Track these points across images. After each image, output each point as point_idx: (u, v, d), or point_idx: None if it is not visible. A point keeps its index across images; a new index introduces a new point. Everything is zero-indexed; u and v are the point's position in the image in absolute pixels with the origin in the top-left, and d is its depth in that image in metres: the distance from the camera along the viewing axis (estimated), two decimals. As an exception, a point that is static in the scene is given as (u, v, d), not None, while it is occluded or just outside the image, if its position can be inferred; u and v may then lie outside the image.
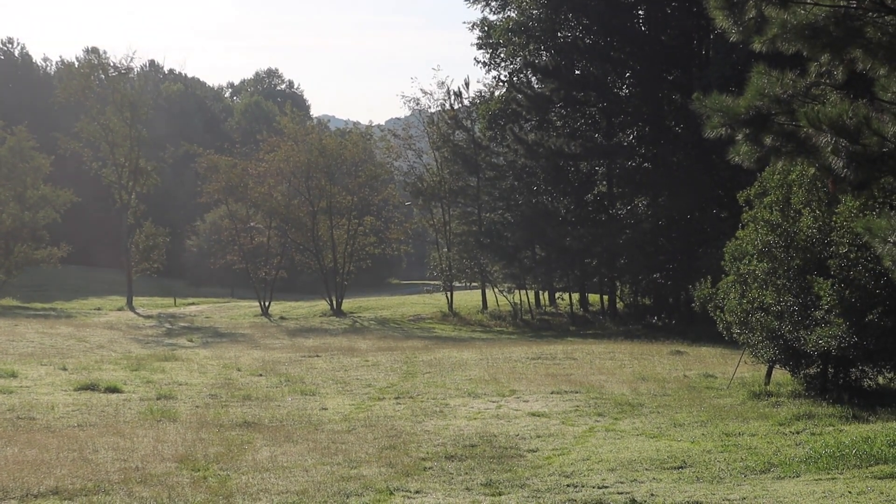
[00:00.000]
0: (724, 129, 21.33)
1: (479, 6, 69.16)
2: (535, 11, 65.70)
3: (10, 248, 77.43)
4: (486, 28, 68.52)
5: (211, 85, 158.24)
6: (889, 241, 20.52)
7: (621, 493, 15.50)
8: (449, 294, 72.29)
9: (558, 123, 66.10)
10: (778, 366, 29.00)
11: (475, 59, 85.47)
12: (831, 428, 21.56)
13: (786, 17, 20.10)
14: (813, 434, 20.83)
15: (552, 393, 28.28)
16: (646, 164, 63.93)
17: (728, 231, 35.63)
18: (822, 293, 25.61)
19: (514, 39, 67.07)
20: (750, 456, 18.72)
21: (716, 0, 21.27)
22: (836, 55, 20.92)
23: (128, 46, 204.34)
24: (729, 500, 15.10)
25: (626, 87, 66.01)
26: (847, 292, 25.38)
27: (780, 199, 27.55)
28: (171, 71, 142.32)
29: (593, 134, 65.46)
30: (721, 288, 30.23)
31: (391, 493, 15.82)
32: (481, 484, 16.50)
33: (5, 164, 78.26)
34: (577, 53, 65.46)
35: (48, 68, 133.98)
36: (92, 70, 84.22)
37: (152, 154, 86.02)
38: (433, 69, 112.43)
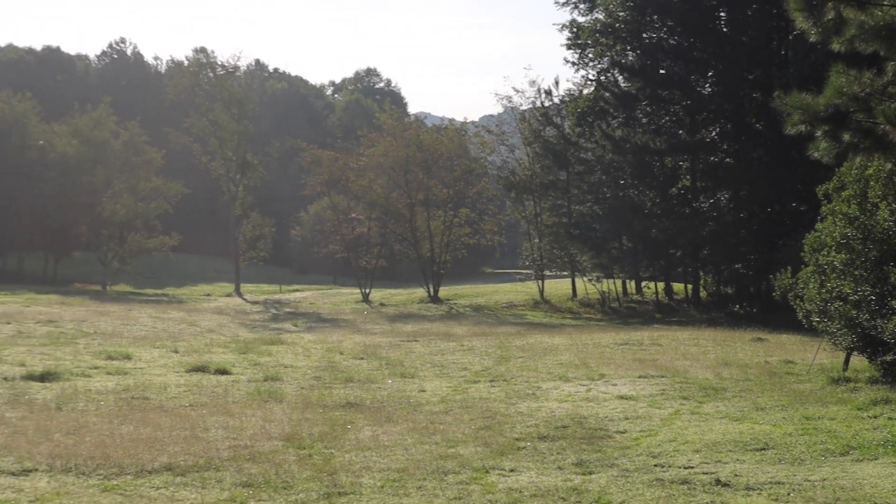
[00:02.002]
0: (803, 125, 23.90)
1: (569, 8, 73.42)
2: (621, 13, 69.50)
3: (124, 238, 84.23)
4: (574, 29, 72.17)
5: (313, 83, 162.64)
6: None
7: (706, 474, 16.49)
8: (540, 282, 76.69)
9: (644, 120, 70.28)
10: (855, 353, 29.98)
11: (564, 58, 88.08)
12: None
13: (863, 18, 22.82)
14: (891, 419, 21.61)
15: (639, 377, 29.42)
16: (728, 160, 67.33)
17: (807, 224, 36.90)
18: None
19: (601, 40, 70.75)
20: (829, 439, 19.61)
21: (796, 2, 23.66)
22: None
23: (235, 46, 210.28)
24: (810, 481, 16.03)
25: (709, 86, 69.42)
26: None
27: (858, 193, 28.68)
28: (275, 70, 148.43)
29: (677, 130, 69.80)
30: (801, 278, 31.41)
31: (487, 472, 16.88)
32: (572, 463, 17.54)
33: (119, 157, 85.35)
34: (662, 53, 69.85)
35: (159, 67, 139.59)
36: (201, 69, 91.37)
37: (258, 148, 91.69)
38: (525, 68, 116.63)
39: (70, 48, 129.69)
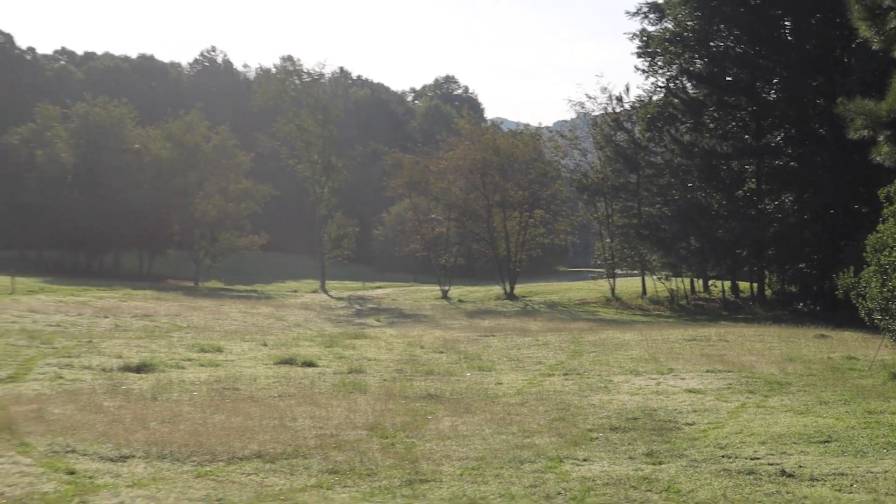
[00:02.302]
0: (866, 130, 25.09)
1: (639, 18, 74.21)
2: (689, 23, 70.48)
3: (215, 236, 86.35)
4: (645, 38, 73.39)
5: (395, 90, 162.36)
6: None
7: (772, 465, 16.44)
8: (611, 280, 77.82)
9: (711, 125, 71.17)
10: None
11: (635, 66, 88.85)
12: None
13: None
14: None
15: (707, 371, 29.42)
16: (792, 163, 68.32)
17: (869, 225, 36.28)
18: None
19: (670, 49, 72.00)
20: (891, 432, 19.35)
21: (859, 12, 25.05)
22: None
23: (320, 54, 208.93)
24: (872, 472, 15.89)
25: (774, 92, 70.18)
26: None
27: None
28: (359, 77, 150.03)
29: (743, 135, 70.50)
30: (863, 277, 31.19)
31: (561, 461, 16.90)
32: (643, 454, 17.56)
33: (210, 160, 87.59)
34: (729, 61, 70.86)
35: (248, 74, 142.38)
36: (288, 76, 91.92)
37: (343, 152, 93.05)
38: (597, 76, 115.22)
39: (164, 56, 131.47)
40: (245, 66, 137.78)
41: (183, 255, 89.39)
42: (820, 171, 64.06)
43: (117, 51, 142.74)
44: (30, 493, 13.75)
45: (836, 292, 36.89)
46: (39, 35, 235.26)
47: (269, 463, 16.36)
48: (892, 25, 24.19)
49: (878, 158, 25.74)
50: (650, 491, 14.60)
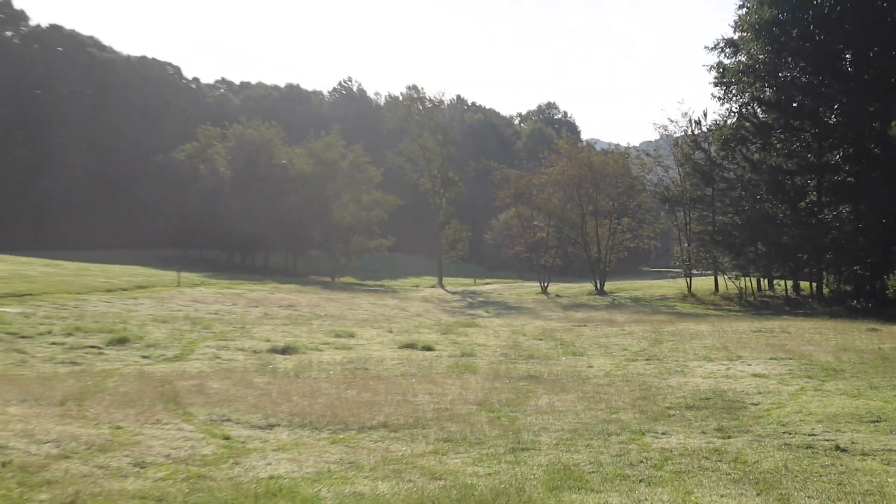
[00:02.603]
0: None
1: (716, 52, 73.45)
2: (761, 56, 69.88)
3: (349, 239, 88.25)
4: (721, 70, 72.50)
5: (504, 114, 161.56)
6: None
7: (827, 441, 16.29)
8: (688, 279, 78.14)
9: (778, 146, 70.56)
10: None
11: (711, 94, 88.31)
12: None
13: None
14: None
15: (770, 359, 29.22)
16: (849, 179, 67.00)
17: None
18: None
19: (743, 79, 71.27)
20: None
21: None
22: None
23: (441, 83, 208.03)
24: None
25: (834, 116, 69.08)
26: None
27: None
28: (473, 103, 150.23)
29: (806, 154, 69.69)
30: None
31: (643, 434, 17.02)
32: (714, 429, 17.61)
33: (347, 175, 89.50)
34: (795, 89, 70.03)
35: (378, 101, 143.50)
36: (412, 102, 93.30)
37: (458, 168, 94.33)
38: (678, 102, 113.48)
39: (308, 85, 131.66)
40: (376, 93, 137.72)
41: (322, 255, 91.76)
42: (874, 185, 62.74)
43: (269, 80, 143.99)
44: (192, 455, 14.26)
45: (887, 291, 38.17)
46: (203, 67, 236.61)
47: (392, 432, 16.77)
48: None
49: None
50: (720, 461, 14.62)
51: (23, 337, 29.38)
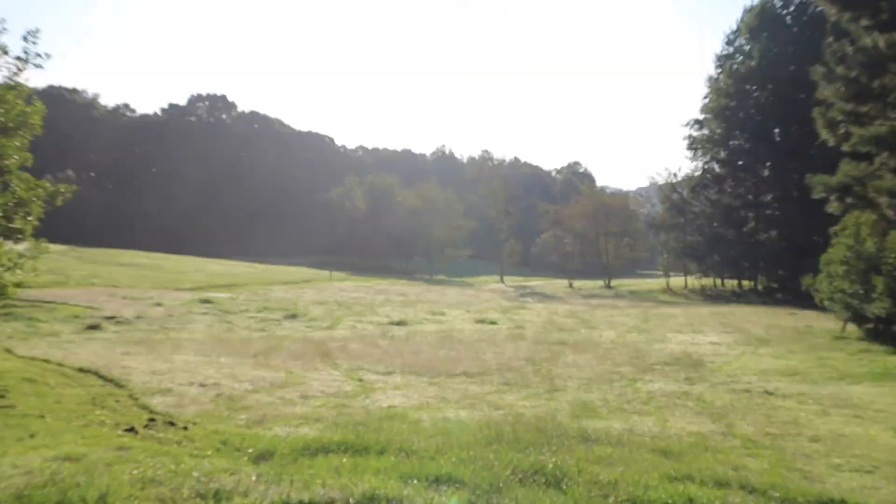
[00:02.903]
0: (824, 193, 25.23)
1: (688, 127, 72.74)
2: (717, 130, 69.33)
3: (441, 250, 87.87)
4: (691, 139, 72.22)
5: (545, 168, 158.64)
6: None
7: (759, 387, 16.34)
8: (667, 279, 77.44)
9: (728, 190, 69.97)
10: (849, 322, 29.71)
11: (685, 155, 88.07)
12: (880, 357, 21.95)
13: (861, 131, 22.76)
14: (870, 361, 21.30)
15: (722, 332, 29.22)
16: (777, 212, 66.68)
17: (822, 248, 32.41)
18: (876, 284, 26.99)
19: (706, 145, 70.98)
20: (833, 370, 19.42)
21: (821, 123, 25.01)
22: (893, 153, 22.98)
23: (506, 146, 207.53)
24: (820, 393, 15.88)
25: (766, 171, 68.06)
26: (891, 283, 26.48)
27: (853, 232, 28.20)
28: (525, 162, 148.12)
29: (748, 195, 68.61)
30: (818, 279, 31.43)
31: (635, 381, 16.95)
32: (683, 378, 17.51)
33: (440, 208, 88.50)
34: (740, 153, 69.23)
35: (462, 159, 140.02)
36: (484, 161, 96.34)
37: (514, 203, 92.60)
38: (663, 164, 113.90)
39: (416, 149, 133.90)
40: (461, 154, 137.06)
41: (423, 260, 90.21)
42: (793, 217, 62.30)
43: (391, 146, 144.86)
44: (338, 391, 14.56)
45: (802, 288, 36.75)
46: (348, 135, 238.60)
47: (469, 378, 16.86)
48: (841, 131, 23.33)
49: (830, 210, 25.44)
50: (687, 400, 14.88)
51: (230, 313, 29.87)
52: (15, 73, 10.74)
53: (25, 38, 10.86)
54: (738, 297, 63.75)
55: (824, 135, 23.57)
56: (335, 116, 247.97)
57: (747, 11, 69.23)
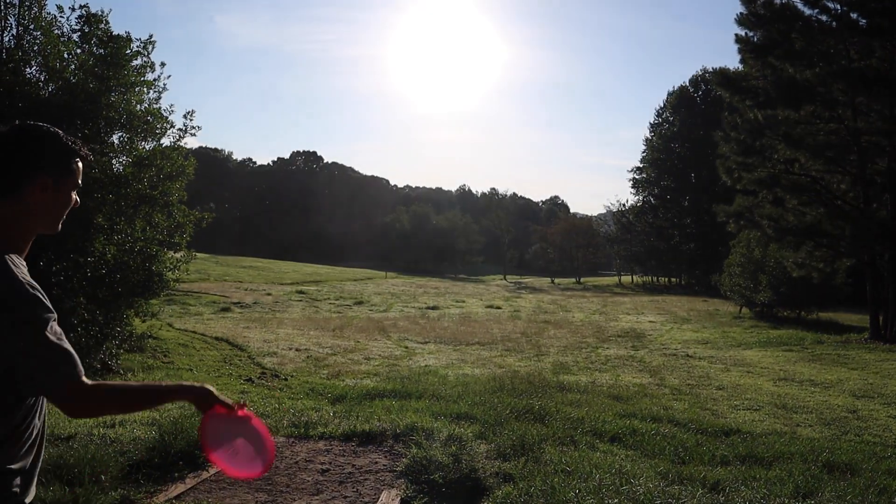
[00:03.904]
0: (725, 218, 23.59)
1: (632, 173, 71.93)
2: (652, 174, 68.70)
3: (462, 257, 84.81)
4: (633, 181, 71.64)
5: (535, 200, 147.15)
6: (790, 260, 23.87)
7: (683, 352, 16.11)
8: (619, 277, 77.26)
9: (661, 216, 69.05)
10: (744, 307, 29.67)
11: (629, 191, 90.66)
12: (765, 331, 21.82)
13: (749, 175, 21.95)
14: (758, 333, 21.20)
15: (657, 314, 28.83)
16: (694, 231, 65.47)
17: (725, 255, 33.04)
18: (762, 280, 26.70)
19: (644, 185, 70.63)
20: (733, 340, 19.35)
21: (722, 169, 23.13)
22: (770, 191, 22.12)
23: (505, 184, 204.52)
24: (725, 356, 15.64)
25: (686, 202, 67.24)
26: (772, 280, 26.59)
27: (746, 243, 28.26)
28: (521, 196, 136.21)
29: (674, 219, 68.06)
30: (723, 277, 31.02)
31: (597, 348, 16.54)
32: (630, 347, 17.12)
33: (462, 229, 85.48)
34: (668, 190, 68.61)
35: (478, 194, 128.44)
36: (493, 195, 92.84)
37: (513, 224, 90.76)
38: (615, 195, 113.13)
39: (445, 187, 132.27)
40: (476, 190, 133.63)
41: (450, 265, 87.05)
42: (705, 234, 61.71)
43: (427, 184, 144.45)
44: (390, 355, 14.24)
45: (711, 283, 37.24)
46: (397, 176, 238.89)
47: (481, 346, 16.44)
48: (736, 175, 23.07)
49: (729, 229, 25.15)
50: (633, 361, 14.60)
51: (317, 300, 29.51)
52: (178, 139, 11.05)
53: (185, 116, 11.14)
54: (668, 289, 62.92)
55: (724, 177, 23.52)
56: (390, 164, 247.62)
57: (671, 94, 70.44)
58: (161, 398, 1.87)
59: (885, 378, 12.87)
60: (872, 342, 19.34)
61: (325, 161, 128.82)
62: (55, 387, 1.70)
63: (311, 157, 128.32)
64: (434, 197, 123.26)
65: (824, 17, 21.60)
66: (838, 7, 21.31)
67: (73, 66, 10.04)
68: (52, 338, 1.69)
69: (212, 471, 4.90)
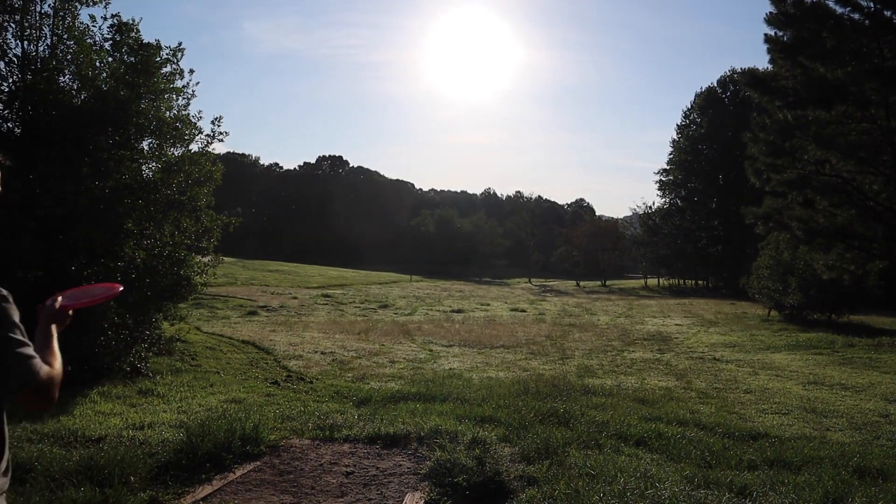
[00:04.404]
0: (753, 219, 22.36)
1: (659, 175, 71.30)
2: (679, 176, 68.33)
3: (487, 260, 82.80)
4: (660, 183, 71.14)
5: (560, 203, 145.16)
6: (821, 262, 23.24)
7: (710, 355, 15.98)
8: (645, 280, 76.81)
9: (687, 217, 68.23)
10: (772, 310, 29.34)
11: (656, 193, 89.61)
12: (794, 334, 21.63)
13: (778, 177, 21.17)
14: (786, 336, 20.99)
15: (684, 317, 28.63)
16: (722, 233, 63.90)
17: (753, 257, 32.72)
18: (791, 282, 26.73)
19: (671, 187, 69.94)
20: (761, 343, 19.07)
21: (751, 171, 22.27)
22: (800, 192, 21.35)
23: (531, 187, 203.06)
24: (752, 359, 15.58)
25: (714, 204, 66.52)
26: (801, 282, 26.38)
27: (775, 245, 27.85)
28: (546, 199, 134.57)
29: (701, 221, 67.07)
30: (751, 279, 30.53)
31: (622, 351, 16.29)
32: (656, 350, 16.99)
33: (486, 232, 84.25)
34: (696, 192, 68.20)
35: (503, 197, 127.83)
36: (518, 198, 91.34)
37: (537, 226, 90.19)
38: (641, 197, 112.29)
39: (470, 190, 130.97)
40: (501, 193, 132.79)
41: (475, 268, 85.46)
42: (733, 236, 61.16)
43: (453, 188, 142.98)
44: (415, 358, 14.20)
45: (739, 285, 35.97)
46: (422, 180, 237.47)
47: (506, 349, 16.29)
48: (764, 176, 22.82)
49: (758, 230, 24.07)
50: (659, 364, 14.48)
51: (341, 303, 29.56)
52: (206, 145, 11.23)
53: (213, 122, 11.30)
54: (695, 292, 62.37)
55: (753, 179, 22.78)
56: (415, 168, 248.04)
57: (699, 95, 69.69)
58: (49, 341, 2.01)
59: (918, 382, 12.56)
60: (905, 345, 19.69)
61: (350, 165, 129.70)
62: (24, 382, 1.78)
63: (337, 162, 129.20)
64: (459, 200, 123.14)
65: (856, 16, 20.99)
66: (871, 5, 20.82)
67: (104, 74, 10.23)
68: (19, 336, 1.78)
69: (238, 473, 4.96)
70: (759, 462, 5.98)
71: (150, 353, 10.67)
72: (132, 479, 4.46)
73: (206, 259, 11.27)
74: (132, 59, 10.30)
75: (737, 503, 4.47)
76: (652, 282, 76.05)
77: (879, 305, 28.03)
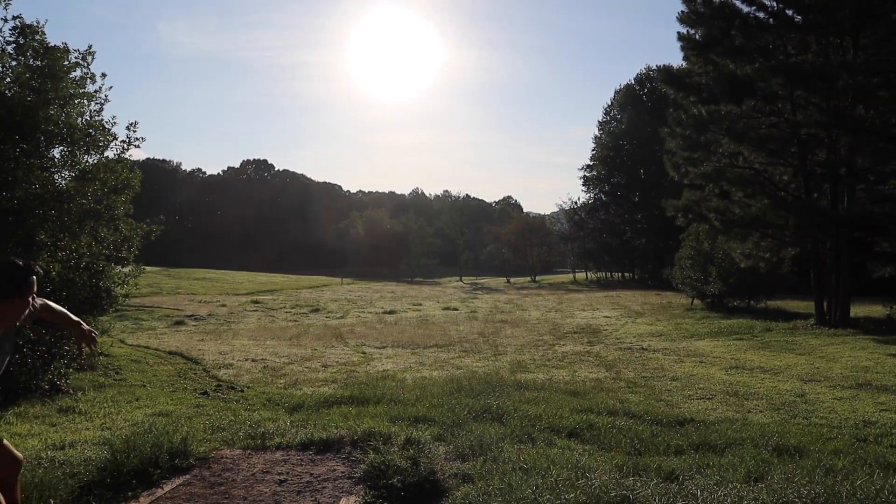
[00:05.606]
0: (673, 212, 23.71)
1: (583, 171, 72.96)
2: (602, 172, 69.98)
3: (419, 260, 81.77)
4: (584, 178, 72.63)
5: (488, 201, 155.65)
6: (738, 251, 24.62)
7: (637, 345, 16.18)
8: (574, 274, 77.73)
9: (612, 212, 70.19)
10: (695, 299, 30.08)
11: (580, 188, 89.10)
12: (716, 321, 22.05)
13: (696, 170, 22.37)
14: (709, 323, 21.43)
15: (611, 309, 28.95)
16: (645, 226, 66.72)
17: (675, 249, 33.62)
18: (711, 272, 27.18)
19: (595, 182, 71.48)
20: (685, 331, 19.47)
21: (669, 165, 23.64)
22: (716, 184, 22.44)
23: (459, 187, 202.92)
24: (679, 347, 15.79)
25: (636, 198, 68.52)
26: (721, 271, 26.73)
27: (695, 236, 28.59)
28: (474, 197, 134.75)
29: (625, 215, 69.26)
30: (674, 270, 31.27)
31: (553, 346, 16.34)
32: (586, 342, 17.08)
33: (417, 232, 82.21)
34: (619, 187, 69.80)
35: (431, 196, 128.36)
36: (446, 197, 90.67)
37: (467, 226, 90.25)
38: (567, 193, 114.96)
39: (399, 191, 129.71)
40: (430, 193, 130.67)
41: (406, 268, 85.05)
42: (655, 229, 62.56)
43: (381, 188, 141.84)
44: (348, 361, 13.98)
45: (663, 276, 37.35)
46: (350, 181, 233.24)
47: (439, 348, 16.24)
48: (682, 170, 23.22)
49: (678, 223, 25.08)
50: (589, 356, 14.57)
51: (272, 309, 29.12)
52: (122, 151, 10.85)
53: (128, 127, 10.93)
54: (622, 284, 63.43)
55: (672, 173, 23.79)
56: (342, 169, 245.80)
57: (618, 92, 71.61)
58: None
59: (830, 362, 13.19)
60: (818, 328, 19.75)
61: (276, 169, 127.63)
62: None
63: (262, 165, 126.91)
64: (387, 201, 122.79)
65: (762, 14, 22.22)
66: (775, 4, 21.97)
67: (7, 79, 9.72)
68: None
69: (167, 488, 4.81)
70: (686, 447, 6.10)
71: (71, 370, 10.21)
72: (52, 502, 4.25)
73: (126, 269, 10.88)
74: (37, 62, 9.82)
75: (665, 487, 4.59)
76: (580, 276, 76.98)
77: (794, 291, 28.77)
